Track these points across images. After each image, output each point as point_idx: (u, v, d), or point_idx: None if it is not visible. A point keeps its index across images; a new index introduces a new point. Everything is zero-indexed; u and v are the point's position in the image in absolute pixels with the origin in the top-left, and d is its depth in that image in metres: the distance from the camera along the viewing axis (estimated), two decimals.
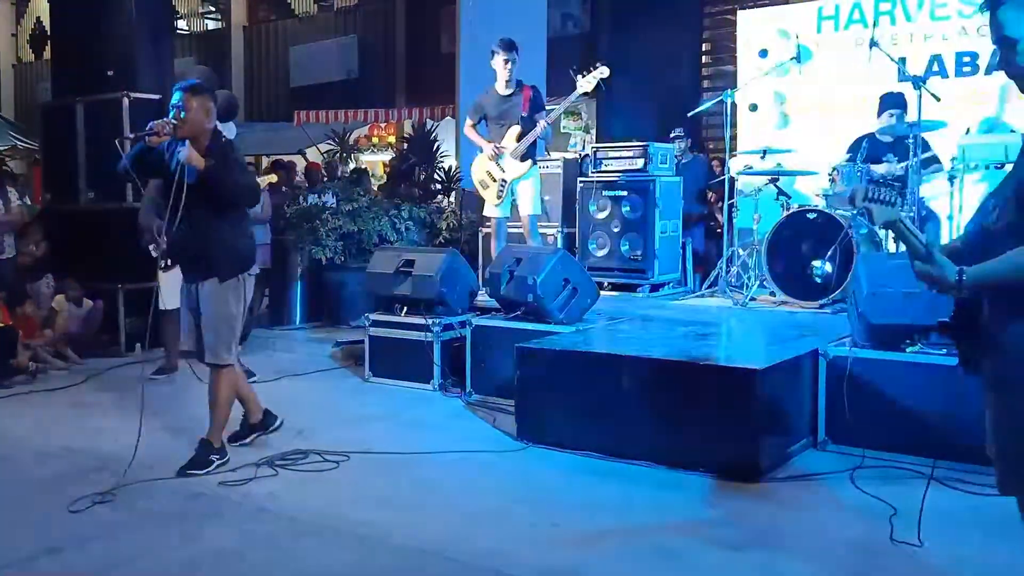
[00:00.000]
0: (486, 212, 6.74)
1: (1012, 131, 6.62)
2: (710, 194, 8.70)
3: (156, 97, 7.37)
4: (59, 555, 3.28)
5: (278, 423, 4.66)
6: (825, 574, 3.11)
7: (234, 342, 4.31)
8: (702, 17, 12.48)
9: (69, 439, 4.73)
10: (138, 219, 6.04)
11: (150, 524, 3.58)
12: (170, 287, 5.61)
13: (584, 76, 6.34)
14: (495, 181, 6.45)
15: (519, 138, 6.33)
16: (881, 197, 2.17)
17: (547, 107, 6.62)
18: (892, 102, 6.44)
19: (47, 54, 16.46)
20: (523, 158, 6.37)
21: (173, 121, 4.08)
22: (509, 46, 6.32)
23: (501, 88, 6.41)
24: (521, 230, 6.66)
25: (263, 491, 3.91)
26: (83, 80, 7.49)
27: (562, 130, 14.07)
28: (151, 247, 5.78)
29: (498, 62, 6.35)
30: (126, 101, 7.16)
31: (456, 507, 3.74)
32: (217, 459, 4.21)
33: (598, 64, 6.35)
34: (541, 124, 6.32)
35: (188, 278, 4.37)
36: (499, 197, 6.45)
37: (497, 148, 6.36)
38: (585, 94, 6.46)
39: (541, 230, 7.45)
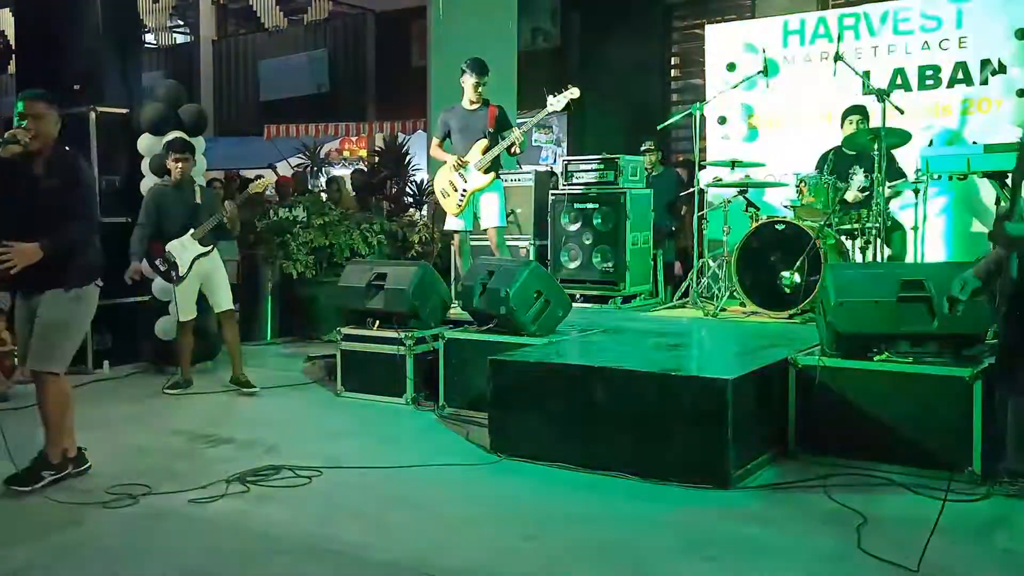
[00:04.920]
0: (447, 225, 6.74)
1: (973, 143, 6.75)
2: (682, 207, 8.77)
3: (123, 111, 7.32)
4: (26, 574, 3.23)
5: (87, 466, 4.32)
6: None
7: (67, 353, 4.16)
8: (671, 31, 12.61)
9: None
10: (132, 239, 6.18)
11: (118, 543, 3.52)
12: (189, 297, 6.19)
13: (555, 96, 6.38)
14: (455, 191, 6.49)
15: (484, 151, 6.39)
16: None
17: (516, 122, 6.66)
18: (853, 109, 6.59)
19: (12, 68, 16.27)
20: (487, 171, 6.42)
21: (29, 130, 4.01)
22: (482, 70, 6.39)
23: (467, 104, 6.49)
24: (487, 243, 6.69)
25: (234, 508, 3.87)
26: (49, 94, 7.39)
27: (533, 143, 14.12)
28: (157, 262, 6.16)
29: (468, 82, 6.43)
30: (93, 115, 7.09)
31: (430, 521, 3.72)
32: (51, 475, 4.10)
33: (569, 85, 6.41)
34: (516, 134, 6.34)
35: (28, 289, 4.13)
36: (459, 207, 6.50)
37: (461, 160, 6.41)
38: (554, 112, 6.51)
39: (513, 243, 7.49)
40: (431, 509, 3.87)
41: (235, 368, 6.26)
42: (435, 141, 6.72)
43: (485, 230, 6.62)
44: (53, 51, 7.44)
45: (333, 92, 16.97)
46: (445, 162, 6.58)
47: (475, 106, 6.46)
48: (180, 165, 6.17)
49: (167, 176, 6.32)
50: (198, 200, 6.23)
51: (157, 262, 6.17)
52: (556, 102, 6.37)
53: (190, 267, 6.14)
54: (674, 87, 12.53)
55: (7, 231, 3.92)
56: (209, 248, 6.20)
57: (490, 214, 6.52)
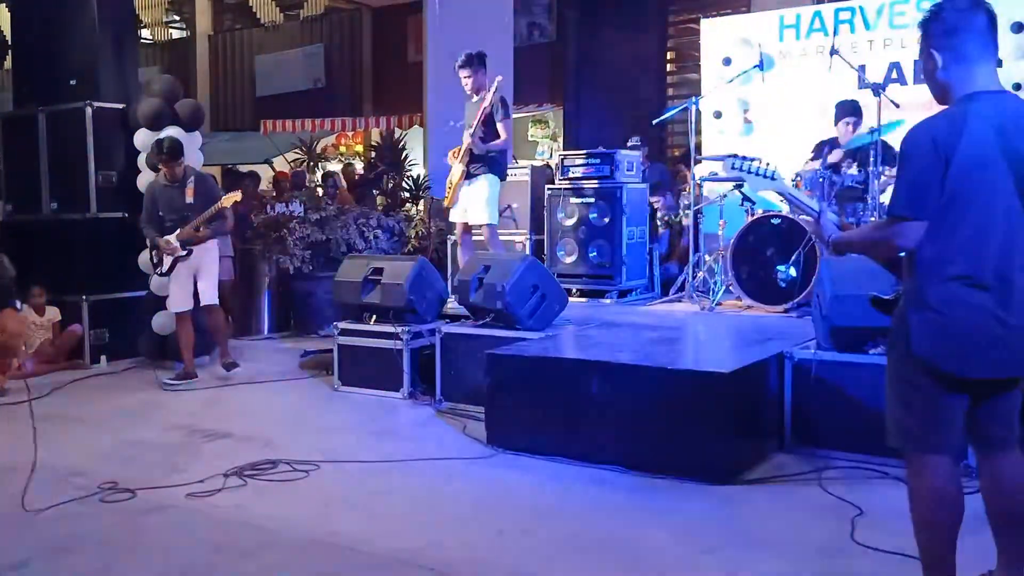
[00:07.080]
0: (450, 216, 6.81)
1: None
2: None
3: (120, 107, 7.31)
4: (24, 569, 3.23)
5: None
6: (791, 574, 3.16)
7: None
8: (666, 26, 12.60)
9: (34, 453, 4.65)
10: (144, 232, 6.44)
11: (117, 538, 3.54)
12: (179, 290, 6.28)
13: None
14: (451, 184, 6.55)
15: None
16: (753, 169, 2.53)
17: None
18: (847, 110, 6.56)
19: (8, 63, 16.24)
20: (466, 163, 6.37)
21: None
22: (462, 64, 6.39)
23: (471, 96, 6.48)
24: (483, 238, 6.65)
25: (232, 502, 3.89)
26: (45, 90, 7.40)
27: (529, 138, 14.12)
28: (153, 252, 6.38)
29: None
30: (89, 111, 7.09)
31: (427, 515, 3.74)
32: None
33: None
34: (464, 121, 6.37)
35: None
36: (448, 199, 6.58)
37: (454, 153, 6.47)
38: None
39: (508, 237, 7.46)
40: (428, 502, 3.89)
41: (221, 353, 6.44)
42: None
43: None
44: (49, 46, 7.44)
45: (329, 87, 16.93)
46: None
47: (476, 98, 6.42)
48: (163, 169, 6.34)
49: (162, 172, 6.42)
50: (188, 199, 6.30)
51: (153, 252, 6.41)
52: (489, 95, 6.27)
53: (172, 265, 6.31)
54: (670, 81, 12.53)
55: None
56: (187, 252, 6.28)
57: (473, 210, 6.44)
